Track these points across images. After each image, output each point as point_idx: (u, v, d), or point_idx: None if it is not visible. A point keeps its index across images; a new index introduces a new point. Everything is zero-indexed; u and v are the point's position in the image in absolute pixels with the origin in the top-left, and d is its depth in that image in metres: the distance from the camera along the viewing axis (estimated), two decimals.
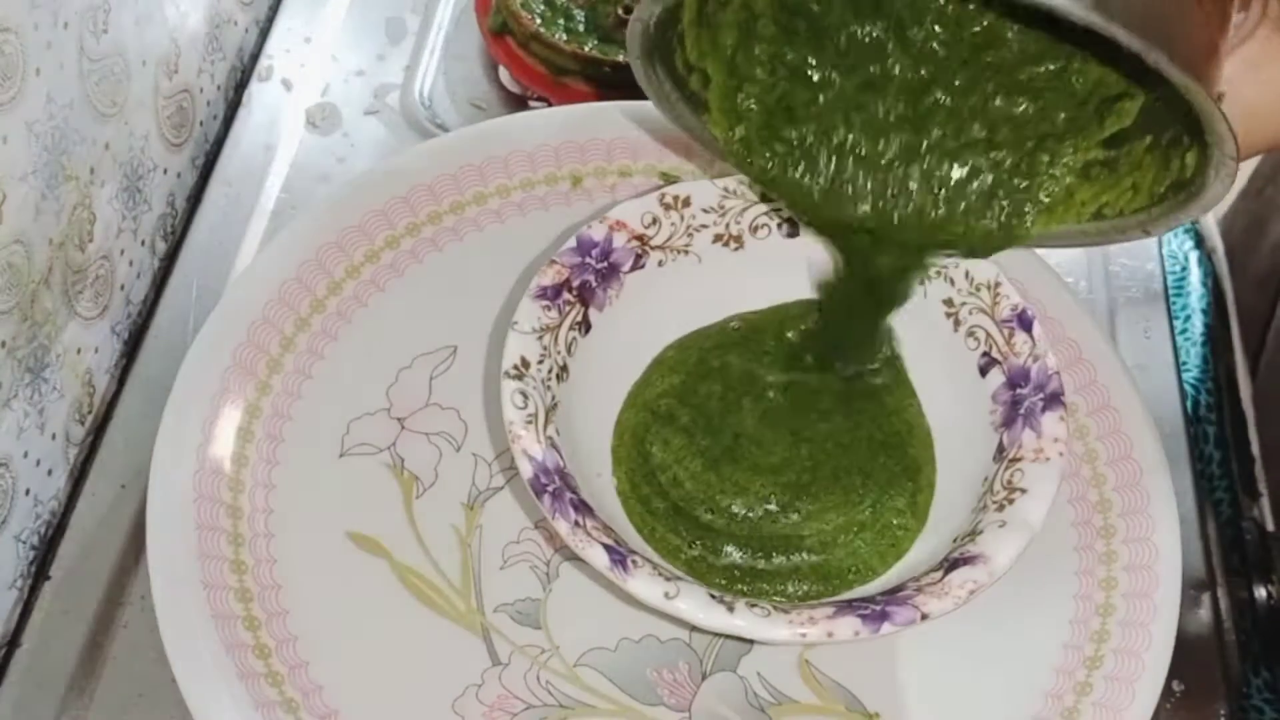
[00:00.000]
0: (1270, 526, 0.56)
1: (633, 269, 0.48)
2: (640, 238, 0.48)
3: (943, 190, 0.43)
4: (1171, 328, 0.59)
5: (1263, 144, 0.38)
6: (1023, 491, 0.43)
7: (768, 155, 0.45)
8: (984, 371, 0.46)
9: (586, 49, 0.61)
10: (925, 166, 0.43)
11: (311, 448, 0.48)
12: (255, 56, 0.67)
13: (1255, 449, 0.58)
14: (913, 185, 0.44)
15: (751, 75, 0.44)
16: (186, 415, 0.47)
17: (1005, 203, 0.43)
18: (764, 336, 0.49)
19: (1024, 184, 0.42)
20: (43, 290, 0.49)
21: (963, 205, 0.43)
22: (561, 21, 0.62)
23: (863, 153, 0.44)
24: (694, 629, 0.45)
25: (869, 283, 0.47)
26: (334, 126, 0.64)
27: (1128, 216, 0.41)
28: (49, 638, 0.49)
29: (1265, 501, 0.56)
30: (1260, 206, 0.69)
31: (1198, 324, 0.61)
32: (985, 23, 0.41)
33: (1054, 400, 0.44)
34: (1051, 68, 0.41)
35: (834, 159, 0.44)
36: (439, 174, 0.53)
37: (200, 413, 0.47)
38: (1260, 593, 0.53)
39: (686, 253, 0.48)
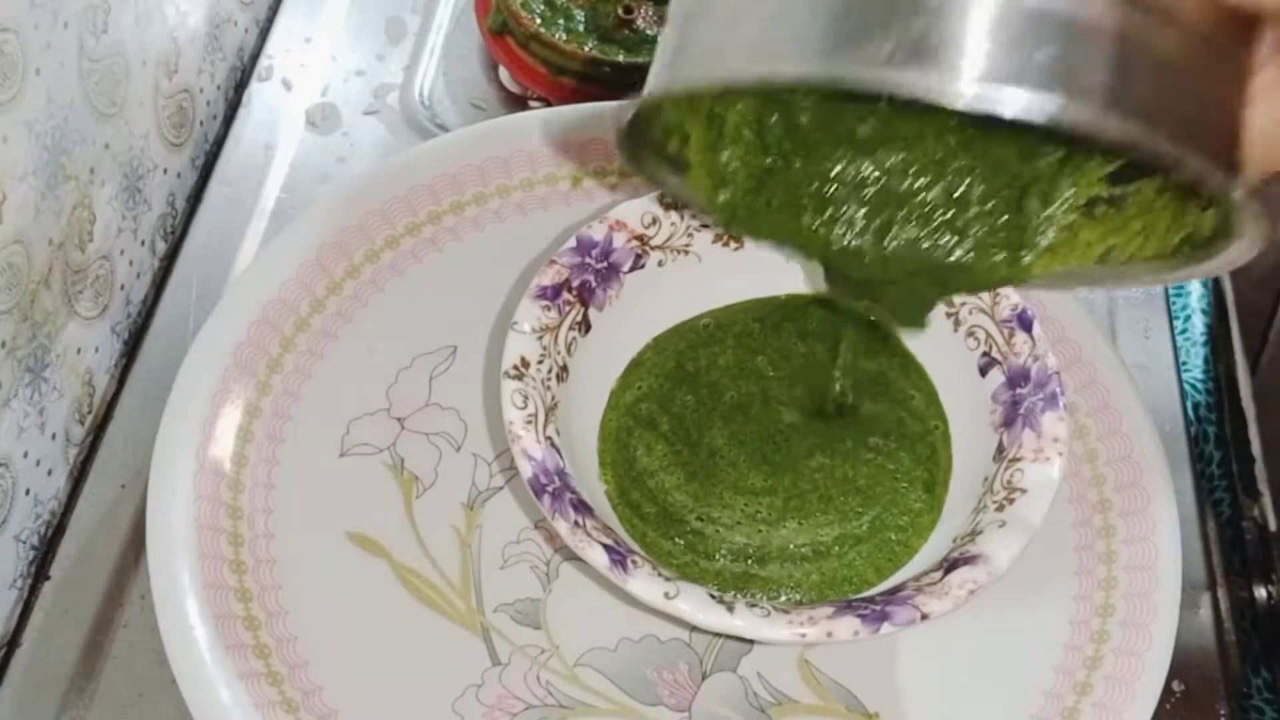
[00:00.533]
0: (1272, 527, 0.56)
1: (633, 269, 0.48)
2: (640, 238, 0.48)
3: (940, 239, 0.41)
4: (1171, 328, 0.59)
5: (1276, 163, 0.37)
6: (1022, 491, 0.43)
7: (757, 220, 0.42)
8: (984, 371, 0.46)
9: (586, 49, 0.61)
10: (918, 217, 0.41)
11: (311, 448, 0.48)
12: (255, 56, 0.67)
13: (1256, 449, 0.58)
14: (907, 237, 0.41)
15: (737, 134, 0.41)
16: (186, 415, 0.47)
17: (1003, 249, 0.40)
18: (726, 335, 0.49)
19: (1021, 225, 0.40)
20: (43, 290, 0.49)
21: (960, 251, 0.41)
22: (561, 21, 0.62)
23: (852, 214, 0.41)
24: (694, 629, 0.45)
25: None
26: (334, 126, 0.64)
27: (1138, 263, 0.39)
28: (49, 638, 0.49)
29: (1266, 501, 0.56)
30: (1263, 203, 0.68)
31: (1198, 324, 0.61)
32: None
33: (1054, 400, 0.44)
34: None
35: (825, 222, 0.42)
36: (439, 174, 0.53)
37: (200, 413, 0.47)
38: (1260, 593, 0.53)
39: (686, 253, 0.48)
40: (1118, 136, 0.29)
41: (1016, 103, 0.28)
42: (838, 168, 0.41)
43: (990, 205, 0.40)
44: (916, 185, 0.40)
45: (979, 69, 0.28)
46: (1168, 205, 0.38)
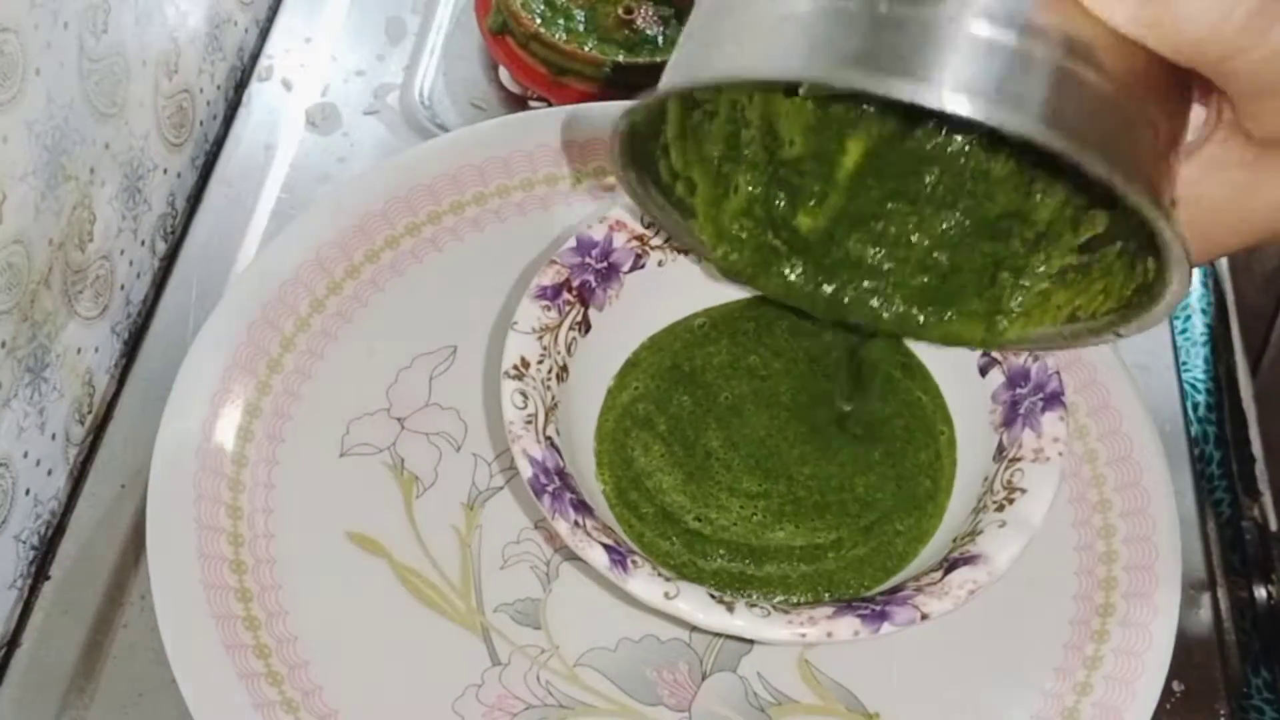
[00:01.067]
0: (1273, 527, 0.56)
1: (633, 269, 0.48)
2: (640, 238, 0.48)
3: (922, 303, 0.45)
4: (1172, 327, 0.59)
5: (1231, 242, 0.37)
6: (1022, 491, 0.43)
7: (758, 282, 0.46)
8: (984, 371, 0.46)
9: (586, 49, 0.61)
10: (904, 282, 0.45)
11: (311, 448, 0.48)
12: (255, 56, 0.67)
13: (1257, 448, 0.58)
14: (894, 298, 0.45)
15: (748, 208, 0.44)
16: (186, 415, 0.47)
17: (981, 318, 0.44)
18: (721, 334, 0.49)
19: (997, 296, 0.44)
20: (43, 290, 0.49)
21: (943, 315, 0.45)
22: (561, 21, 0.62)
23: (850, 289, 0.45)
24: (694, 629, 0.45)
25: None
26: (334, 126, 0.64)
27: (1099, 319, 0.42)
28: (49, 638, 0.49)
29: (1267, 500, 0.56)
30: None
31: (1198, 324, 0.61)
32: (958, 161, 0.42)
33: (1054, 400, 0.44)
34: (1015, 197, 0.43)
35: (826, 294, 0.46)
36: (439, 174, 0.53)
37: (200, 413, 0.47)
38: (1260, 593, 0.53)
39: (686, 252, 0.48)
40: (1053, 147, 0.32)
41: (965, 105, 0.31)
42: (838, 251, 0.45)
43: (971, 280, 0.44)
44: (910, 265, 0.44)
45: (935, 77, 0.32)
46: (1124, 265, 0.40)
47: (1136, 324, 0.41)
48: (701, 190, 0.44)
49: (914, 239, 0.44)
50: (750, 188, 0.44)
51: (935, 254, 0.44)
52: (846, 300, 0.45)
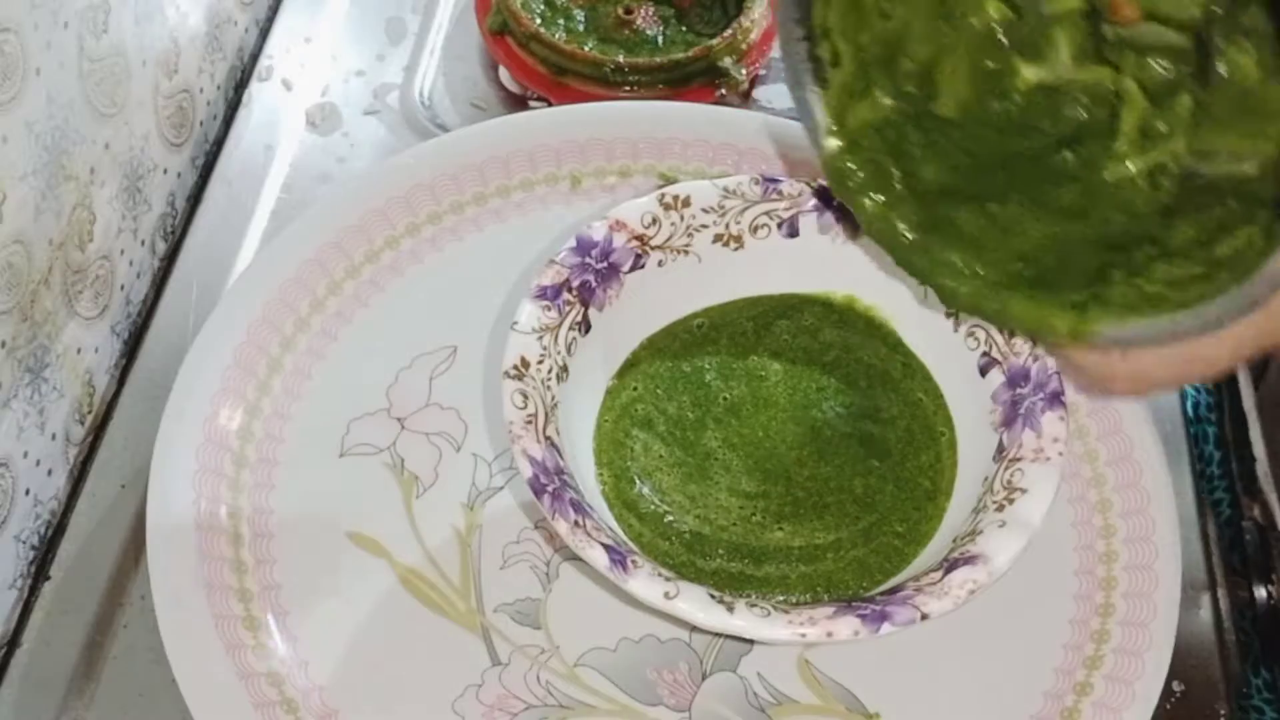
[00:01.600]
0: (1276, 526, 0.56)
1: (632, 269, 0.48)
2: (640, 238, 0.48)
3: (1012, 286, 0.42)
4: None
5: None
6: (1022, 491, 0.43)
7: (855, 202, 0.43)
8: (984, 371, 0.46)
9: (586, 49, 0.61)
10: (999, 264, 0.42)
11: (311, 448, 0.48)
12: (255, 56, 0.67)
13: (1259, 450, 0.57)
14: (981, 277, 0.43)
15: (883, 125, 0.43)
16: (186, 415, 0.47)
17: (1081, 300, 0.41)
18: (720, 334, 0.49)
19: (1106, 289, 0.40)
20: (43, 290, 0.49)
21: (1034, 297, 0.42)
22: (561, 21, 0.62)
23: (945, 237, 0.43)
24: (694, 629, 0.45)
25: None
26: (334, 126, 0.64)
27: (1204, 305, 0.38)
28: (49, 638, 0.49)
29: (1271, 500, 0.56)
30: None
31: None
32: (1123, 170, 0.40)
33: (1054, 400, 0.44)
34: (1153, 227, 0.40)
35: (930, 226, 0.43)
36: (439, 174, 0.53)
37: (200, 413, 0.47)
38: (1260, 593, 0.53)
39: (686, 253, 0.48)
40: None
41: None
42: (946, 214, 0.43)
43: (1075, 278, 0.41)
44: (1010, 254, 0.42)
45: None
46: (1256, 255, 0.37)
47: (1242, 296, 0.36)
48: (844, 71, 0.42)
49: (1029, 232, 0.42)
50: (890, 111, 0.43)
51: (1042, 253, 0.42)
52: (930, 262, 0.43)
